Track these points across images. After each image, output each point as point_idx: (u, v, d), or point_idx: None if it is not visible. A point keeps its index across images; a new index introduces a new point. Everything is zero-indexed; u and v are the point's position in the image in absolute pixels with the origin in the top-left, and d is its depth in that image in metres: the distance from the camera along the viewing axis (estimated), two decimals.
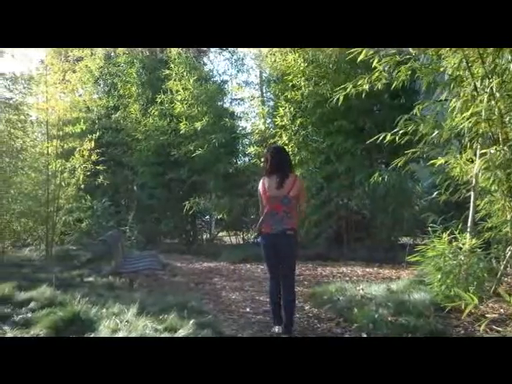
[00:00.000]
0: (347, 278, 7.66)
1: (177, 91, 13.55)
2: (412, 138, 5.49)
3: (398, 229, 10.20)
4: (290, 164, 4.97)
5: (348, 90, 5.72)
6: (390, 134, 5.49)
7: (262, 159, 5.57)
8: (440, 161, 5.49)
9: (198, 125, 12.77)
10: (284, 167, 4.77)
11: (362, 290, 6.15)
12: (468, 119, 4.79)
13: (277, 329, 4.73)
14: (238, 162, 14.44)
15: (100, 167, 11.33)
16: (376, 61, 5.34)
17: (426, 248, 5.31)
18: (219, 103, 14.55)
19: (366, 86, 5.61)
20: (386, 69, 5.38)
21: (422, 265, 5.48)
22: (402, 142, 5.46)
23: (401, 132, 5.41)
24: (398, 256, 8.45)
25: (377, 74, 5.45)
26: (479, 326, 4.24)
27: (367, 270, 8.74)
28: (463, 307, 3.36)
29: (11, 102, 8.38)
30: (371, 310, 5.06)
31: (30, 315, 4.93)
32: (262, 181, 4.87)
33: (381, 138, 5.60)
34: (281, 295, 4.73)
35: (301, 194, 4.80)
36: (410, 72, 5.43)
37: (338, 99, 5.80)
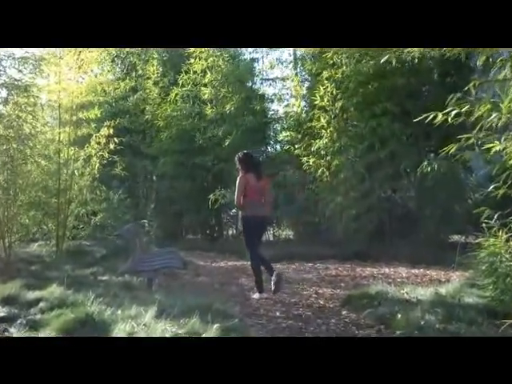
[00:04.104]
0: (390, 280, 7.58)
1: (202, 71, 13.58)
2: (466, 122, 5.35)
3: (448, 225, 10.06)
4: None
5: (396, 53, 5.55)
6: (441, 114, 5.35)
7: (237, 163, 7.02)
8: (496, 146, 5.34)
9: (227, 107, 12.77)
10: (259, 166, 7.04)
11: (407, 293, 6.08)
12: None
13: (264, 294, 6.79)
14: (269, 149, 14.43)
15: (117, 156, 11.42)
16: None
17: (480, 247, 5.22)
18: (248, 84, 14.54)
19: (417, 53, 5.45)
20: None
21: (475, 266, 5.39)
22: (455, 123, 5.31)
23: (454, 112, 5.26)
24: (448, 256, 8.33)
25: None
26: None
27: (412, 271, 8.66)
28: None
29: (19, 83, 8.44)
30: (417, 316, 5.01)
31: (38, 316, 5.00)
32: (243, 177, 6.79)
33: (430, 118, 5.46)
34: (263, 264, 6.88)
35: (268, 187, 7.22)
36: None
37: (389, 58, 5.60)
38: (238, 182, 6.87)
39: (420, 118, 5.52)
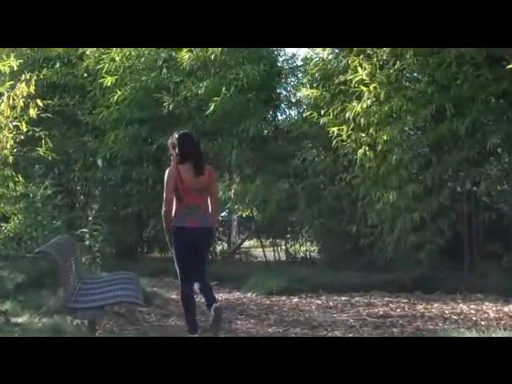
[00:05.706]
0: (470, 323, 7.62)
1: None
2: None
3: None
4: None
5: None
6: None
7: (169, 147, 7.40)
8: None
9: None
10: (200, 153, 7.38)
11: None
12: None
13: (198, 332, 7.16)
14: (280, 117, 14.40)
15: (41, 129, 11.42)
16: None
17: None
18: None
19: None
20: None
21: None
22: None
23: None
24: None
25: None
26: None
27: (505, 309, 8.69)
28: None
29: None
30: None
31: None
32: (172, 169, 7.19)
33: None
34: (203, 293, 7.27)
35: (214, 184, 7.68)
36: None
37: None
38: (166, 175, 7.23)
39: None
